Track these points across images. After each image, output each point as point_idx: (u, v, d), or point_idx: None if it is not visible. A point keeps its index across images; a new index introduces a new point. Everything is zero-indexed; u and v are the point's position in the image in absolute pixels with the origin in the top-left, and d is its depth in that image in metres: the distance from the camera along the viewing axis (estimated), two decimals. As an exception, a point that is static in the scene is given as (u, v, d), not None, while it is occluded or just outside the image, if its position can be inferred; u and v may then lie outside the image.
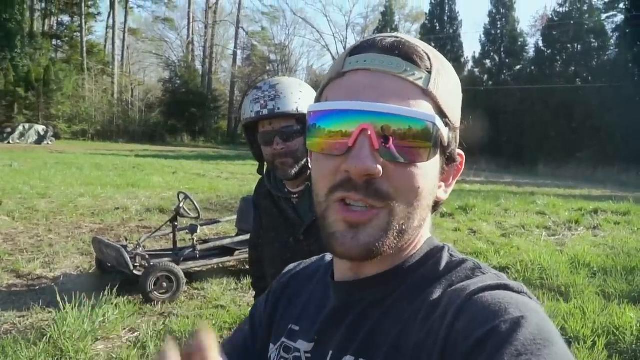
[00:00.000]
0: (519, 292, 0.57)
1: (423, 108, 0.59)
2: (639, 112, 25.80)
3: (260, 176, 1.92)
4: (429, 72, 0.61)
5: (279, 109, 1.60)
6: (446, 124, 0.62)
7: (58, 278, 5.25)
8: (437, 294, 0.60)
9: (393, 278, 0.65)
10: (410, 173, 0.59)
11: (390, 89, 0.59)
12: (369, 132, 0.57)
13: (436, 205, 0.67)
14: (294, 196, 1.76)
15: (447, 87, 0.63)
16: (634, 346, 3.71)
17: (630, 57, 28.92)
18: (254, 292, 2.07)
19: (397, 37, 0.63)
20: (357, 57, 0.62)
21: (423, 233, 0.68)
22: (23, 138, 29.65)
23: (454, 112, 0.64)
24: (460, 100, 0.67)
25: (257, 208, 1.94)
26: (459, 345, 0.52)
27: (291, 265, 0.90)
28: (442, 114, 0.61)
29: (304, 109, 1.63)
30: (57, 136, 33.14)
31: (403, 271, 0.65)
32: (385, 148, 0.58)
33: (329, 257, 0.82)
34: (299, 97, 1.65)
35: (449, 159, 0.65)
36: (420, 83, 0.60)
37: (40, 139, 30.14)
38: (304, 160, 1.66)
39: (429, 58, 0.62)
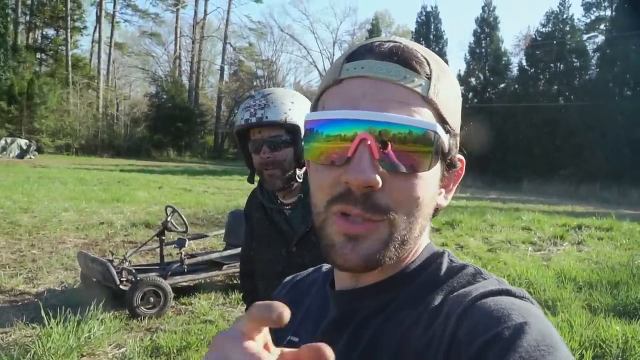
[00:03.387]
0: (521, 298, 0.57)
1: (424, 116, 0.58)
2: (619, 130, 26.29)
3: (251, 185, 1.91)
4: (429, 78, 0.59)
5: (267, 117, 1.61)
6: (447, 131, 0.61)
7: (42, 293, 5.15)
8: (438, 300, 0.60)
9: (393, 285, 0.64)
10: (411, 183, 0.58)
11: (390, 97, 0.57)
12: (369, 142, 0.56)
13: (436, 211, 0.66)
14: (287, 208, 1.75)
15: (447, 92, 0.61)
16: (620, 359, 3.74)
17: (610, 77, 29.51)
18: (245, 306, 2.04)
19: (396, 42, 0.61)
20: (355, 63, 0.60)
21: (423, 239, 0.67)
22: (5, 152, 29.22)
23: (454, 117, 0.63)
24: (459, 105, 0.66)
25: (248, 220, 1.93)
26: (462, 351, 0.52)
27: (288, 278, 0.88)
28: (443, 121, 0.60)
29: (293, 120, 1.63)
30: (40, 150, 32.72)
31: (403, 278, 0.64)
32: (386, 158, 0.56)
33: (326, 267, 0.82)
34: (289, 108, 1.65)
35: (449, 165, 0.64)
36: (419, 90, 0.58)
37: (23, 153, 29.74)
38: (292, 171, 1.66)
39: (428, 63, 0.60)
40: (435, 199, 0.64)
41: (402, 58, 0.59)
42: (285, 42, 58.79)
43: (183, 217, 5.45)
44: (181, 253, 5.13)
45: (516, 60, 37.56)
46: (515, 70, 35.98)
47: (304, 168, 1.70)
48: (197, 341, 3.92)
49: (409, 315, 0.60)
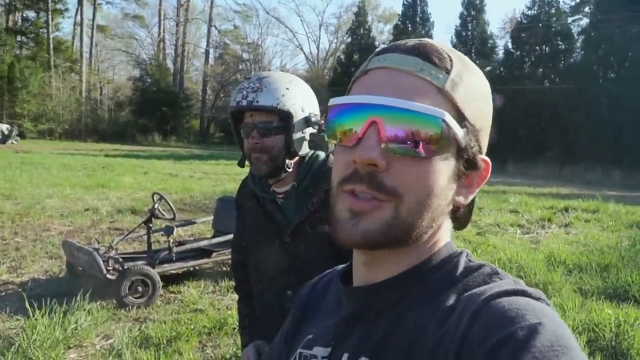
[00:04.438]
0: (536, 299, 0.57)
1: (436, 105, 0.60)
2: (603, 113, 26.54)
3: (238, 169, 1.85)
4: (448, 73, 0.62)
5: (257, 102, 1.54)
6: (463, 125, 0.62)
7: (26, 283, 5.04)
8: (452, 298, 0.60)
9: (407, 282, 0.64)
10: (418, 169, 0.60)
11: (405, 86, 0.60)
12: (378, 125, 0.59)
13: (456, 211, 0.68)
14: (280, 196, 1.69)
15: (469, 90, 0.63)
16: (613, 342, 3.75)
17: (595, 59, 29.70)
18: (238, 296, 1.99)
19: (421, 40, 0.65)
20: (381, 56, 0.64)
21: (441, 237, 0.67)
22: (-15, 137, 28.68)
23: (476, 114, 0.64)
24: (487, 106, 0.67)
25: (240, 209, 1.87)
26: (474, 351, 0.52)
27: (312, 280, 0.89)
28: (460, 115, 0.61)
29: (286, 106, 1.56)
30: (22, 135, 32.12)
31: (418, 275, 0.65)
32: (393, 141, 0.59)
33: (342, 266, 0.82)
34: (283, 94, 1.57)
35: (468, 163, 0.64)
36: (435, 82, 0.61)
37: (5, 138, 29.15)
38: (280, 159, 1.60)
39: (450, 59, 0.63)
40: (448, 194, 0.64)
41: (423, 52, 0.62)
42: (271, 25, 58.65)
43: (170, 204, 5.35)
44: (169, 241, 5.04)
45: (502, 43, 37.63)
46: (501, 53, 36.03)
47: (296, 158, 1.64)
48: (188, 331, 3.86)
49: (422, 313, 0.61)
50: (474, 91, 0.64)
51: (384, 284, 0.65)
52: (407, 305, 0.63)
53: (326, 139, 0.68)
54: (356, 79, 0.67)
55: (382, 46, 0.68)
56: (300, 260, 1.62)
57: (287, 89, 1.60)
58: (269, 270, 1.71)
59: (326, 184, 1.60)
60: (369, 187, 0.59)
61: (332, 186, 0.65)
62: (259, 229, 1.74)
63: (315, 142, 1.76)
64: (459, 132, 0.61)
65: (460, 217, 0.70)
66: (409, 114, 0.58)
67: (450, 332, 0.56)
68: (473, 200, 0.69)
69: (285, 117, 1.57)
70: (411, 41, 0.65)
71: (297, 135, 1.59)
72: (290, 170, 1.64)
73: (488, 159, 0.67)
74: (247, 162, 1.72)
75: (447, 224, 0.68)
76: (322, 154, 1.71)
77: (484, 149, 0.67)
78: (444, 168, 0.61)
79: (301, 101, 1.61)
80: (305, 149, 1.66)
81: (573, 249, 7.08)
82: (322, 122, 1.72)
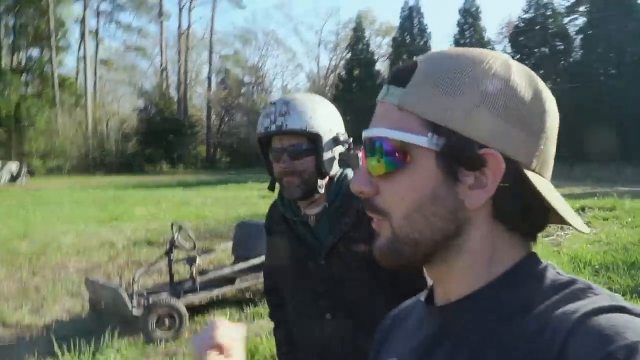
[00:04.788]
0: (636, 315, 0.52)
1: (395, 123, 0.61)
2: (607, 110, 26.49)
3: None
4: (403, 86, 0.62)
5: (286, 126, 1.53)
6: (431, 130, 0.60)
7: (50, 325, 5.00)
8: (543, 316, 0.56)
9: (486, 299, 0.61)
10: (392, 186, 0.62)
11: (376, 116, 0.65)
12: (362, 156, 0.66)
13: (504, 215, 0.61)
14: (312, 218, 1.66)
15: (426, 89, 0.61)
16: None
17: (594, 57, 29.77)
18: (273, 323, 1.94)
19: (401, 64, 0.67)
20: None
21: (501, 248, 0.62)
22: (-4, 177, 28.88)
23: (444, 112, 0.59)
24: (461, 102, 0.60)
25: (270, 234, 1.84)
26: None
27: (394, 309, 0.88)
28: (423, 122, 0.60)
29: (315, 128, 1.55)
30: (31, 173, 32.36)
31: (495, 291, 0.61)
32: (371, 167, 0.63)
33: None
34: (310, 116, 1.56)
35: (464, 163, 0.59)
36: (393, 101, 0.62)
37: (14, 177, 29.37)
38: (312, 180, 1.58)
39: (412, 70, 0.62)
40: (445, 199, 0.60)
41: (391, 76, 0.65)
42: (271, 47, 58.59)
43: (190, 233, 5.31)
44: (192, 271, 4.98)
45: (500, 47, 37.80)
46: (501, 58, 36.11)
47: (326, 178, 1.62)
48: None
49: (509, 331, 0.57)
50: (434, 86, 0.60)
51: (462, 302, 0.63)
52: (492, 324, 0.59)
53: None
54: None
55: None
56: (337, 282, 1.60)
57: (314, 110, 1.59)
58: (305, 294, 1.67)
59: (357, 203, 1.57)
60: (369, 210, 0.66)
61: None
62: (291, 253, 1.71)
63: (346, 161, 1.76)
64: (419, 140, 0.60)
65: (515, 219, 0.62)
66: (369, 141, 0.63)
67: (542, 352, 0.53)
68: (527, 198, 0.60)
69: (314, 138, 1.56)
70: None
71: (327, 156, 1.59)
72: (323, 191, 1.62)
73: (495, 152, 0.58)
74: (276, 186, 1.71)
75: (505, 235, 0.62)
76: (350, 173, 1.70)
77: (493, 139, 0.59)
78: (419, 178, 0.61)
79: (328, 121, 1.61)
80: (335, 169, 1.66)
81: (596, 249, 7.00)
82: (350, 140, 1.72)
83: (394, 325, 0.81)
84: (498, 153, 0.59)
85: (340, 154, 1.68)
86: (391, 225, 0.63)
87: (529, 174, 0.60)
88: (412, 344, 0.69)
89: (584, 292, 0.57)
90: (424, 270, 0.68)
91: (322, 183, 1.61)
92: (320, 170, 1.58)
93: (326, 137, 1.58)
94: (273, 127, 1.54)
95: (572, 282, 0.59)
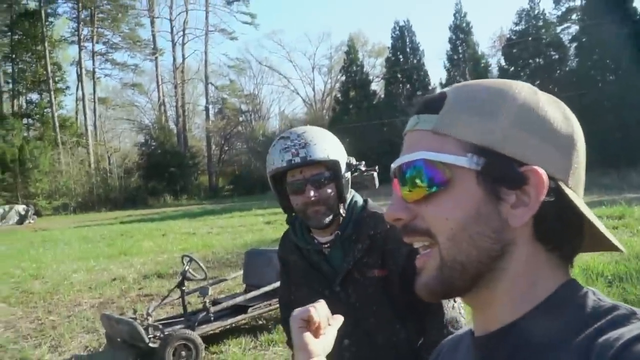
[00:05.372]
0: None
1: (432, 148, 0.63)
2: (608, 115, 26.45)
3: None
4: (436, 113, 0.64)
5: (310, 156, 1.58)
6: (469, 151, 0.61)
7: (69, 361, 5.07)
8: (584, 345, 0.54)
9: (526, 329, 0.60)
10: (433, 208, 0.63)
11: (407, 145, 0.66)
12: (395, 184, 0.66)
13: (546, 239, 0.62)
14: (325, 246, 1.71)
15: (461, 112, 0.62)
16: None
17: (590, 64, 29.83)
18: (292, 352, 2.01)
19: (428, 95, 0.69)
20: None
21: (543, 273, 0.62)
22: (4, 220, 29.00)
23: (484, 133, 0.61)
24: (502, 113, 0.62)
25: (283, 264, 1.89)
26: None
27: (447, 338, 0.88)
28: (462, 144, 0.61)
29: (334, 155, 1.62)
30: (38, 214, 32.55)
31: (535, 320, 0.60)
32: (407, 193, 0.64)
33: None
34: (328, 144, 1.64)
35: (505, 182, 0.60)
36: (427, 127, 0.64)
37: (22, 219, 29.56)
38: (336, 207, 1.64)
39: (443, 98, 0.65)
40: (489, 219, 0.60)
41: (419, 106, 0.67)
42: (265, 74, 58.96)
43: (201, 264, 5.40)
44: (205, 301, 5.07)
45: (494, 61, 38.10)
46: (495, 71, 36.34)
47: (347, 202, 1.69)
48: None
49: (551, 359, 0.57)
50: (468, 111, 0.63)
51: (502, 332, 0.62)
52: (532, 353, 0.59)
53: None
54: None
55: None
56: (353, 308, 1.62)
57: (328, 139, 1.66)
58: None
59: (368, 229, 1.65)
60: (407, 235, 0.66)
61: None
62: (306, 282, 1.76)
63: (361, 183, 1.82)
64: (459, 160, 0.61)
65: (556, 239, 0.62)
66: (403, 167, 0.64)
67: None
68: (568, 217, 0.61)
69: (332, 166, 1.62)
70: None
71: (343, 181, 1.65)
72: (344, 215, 1.68)
73: (536, 168, 0.59)
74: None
75: (545, 258, 0.62)
76: (360, 200, 1.76)
77: (531, 156, 0.60)
78: (462, 198, 0.61)
79: (340, 148, 1.68)
80: (350, 193, 1.72)
81: (608, 259, 6.87)
82: (361, 164, 1.79)
83: (448, 353, 0.80)
84: (540, 169, 0.59)
85: (354, 177, 1.75)
86: (439, 250, 0.62)
87: (568, 191, 0.60)
88: None
89: (627, 318, 0.55)
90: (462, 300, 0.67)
91: (343, 208, 1.67)
92: (341, 195, 1.64)
93: (342, 164, 1.65)
94: (297, 160, 1.57)
95: (614, 308, 0.57)
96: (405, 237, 0.66)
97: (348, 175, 1.69)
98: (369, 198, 1.79)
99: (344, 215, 1.67)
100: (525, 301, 0.61)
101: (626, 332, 0.52)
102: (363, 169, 1.79)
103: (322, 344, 0.89)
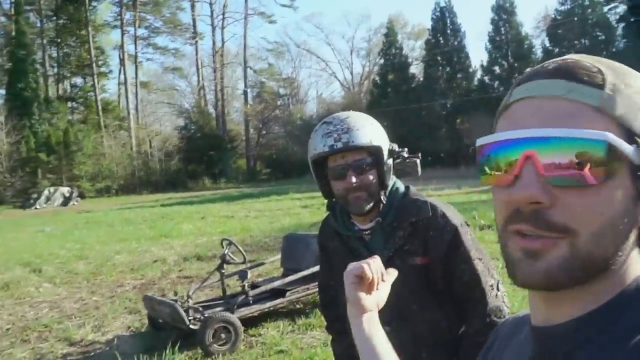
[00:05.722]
0: None
1: (595, 127, 0.54)
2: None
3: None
4: (601, 88, 0.56)
5: (353, 142, 1.56)
6: (633, 141, 0.55)
7: (112, 341, 5.19)
8: None
9: (593, 322, 0.57)
10: (587, 199, 0.54)
11: (555, 113, 0.56)
12: (533, 159, 0.55)
13: None
14: (366, 233, 1.69)
15: (630, 98, 0.57)
16: None
17: (639, 44, 28.70)
18: (331, 336, 1.98)
19: (565, 59, 0.60)
20: (522, 87, 0.60)
21: (629, 269, 0.59)
22: (49, 202, 30.12)
23: None
24: None
25: (323, 249, 1.88)
26: None
27: (509, 317, 0.84)
28: (626, 130, 0.55)
29: (376, 141, 1.60)
30: (82, 196, 33.65)
31: (605, 314, 0.58)
32: (554, 173, 0.54)
33: None
34: (371, 130, 1.61)
35: None
36: (589, 101, 0.55)
37: (66, 201, 30.63)
38: (377, 193, 1.62)
39: (600, 72, 0.57)
40: (630, 218, 0.57)
41: (567, 72, 0.58)
42: (303, 58, 59.09)
43: (240, 248, 5.43)
44: (244, 284, 5.10)
45: (538, 42, 37.02)
46: (539, 52, 35.34)
47: (388, 189, 1.66)
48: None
49: (618, 358, 0.53)
50: (636, 99, 0.57)
51: (568, 325, 0.59)
52: (596, 349, 0.56)
53: (480, 182, 0.64)
54: (500, 114, 0.64)
55: (522, 76, 0.64)
56: (394, 295, 1.60)
57: (371, 124, 1.63)
58: None
59: (410, 216, 1.63)
60: (536, 226, 0.55)
61: (497, 226, 0.62)
62: (346, 268, 1.75)
63: (403, 170, 1.79)
64: (628, 149, 0.55)
65: None
66: (567, 142, 0.54)
67: None
68: None
69: (375, 152, 1.60)
70: (552, 62, 0.61)
71: (385, 167, 1.62)
72: (385, 202, 1.65)
73: None
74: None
75: (635, 252, 0.60)
76: (401, 186, 1.72)
77: None
78: (617, 192, 0.55)
79: (383, 134, 1.65)
80: (391, 180, 1.69)
81: None
82: (404, 150, 1.75)
83: (505, 336, 0.77)
84: None
85: (396, 164, 1.72)
86: (573, 244, 0.55)
87: None
88: None
89: None
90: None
91: (384, 194, 1.64)
92: (383, 182, 1.62)
93: (384, 150, 1.62)
94: (339, 145, 1.56)
95: None
96: (528, 225, 0.56)
97: (390, 161, 1.67)
98: (411, 185, 1.75)
99: (385, 202, 1.65)
100: (602, 296, 0.58)
101: None
102: (406, 155, 1.76)
103: (374, 299, 0.91)
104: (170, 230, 13.26)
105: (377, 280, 0.90)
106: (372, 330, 0.89)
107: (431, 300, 1.61)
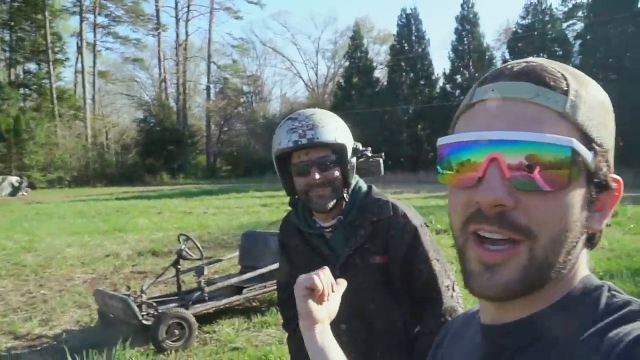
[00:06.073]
0: None
1: (560, 132, 0.55)
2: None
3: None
4: (565, 94, 0.57)
5: (317, 138, 1.56)
6: (590, 148, 0.57)
7: (60, 335, 5.02)
8: (594, 339, 0.54)
9: (542, 321, 0.59)
10: (550, 203, 0.55)
11: (522, 116, 0.56)
12: (499, 162, 0.55)
13: (592, 237, 0.62)
14: (327, 230, 1.69)
15: (590, 108, 0.58)
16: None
17: (593, 62, 29.88)
18: (287, 334, 1.97)
19: (528, 62, 0.60)
20: (486, 86, 0.60)
21: (577, 270, 0.61)
22: (-3, 191, 28.88)
23: (600, 134, 0.58)
24: (610, 121, 0.61)
25: (283, 247, 1.87)
26: None
27: (461, 314, 0.87)
28: (586, 138, 0.57)
29: (341, 139, 1.59)
30: (32, 186, 32.36)
31: (554, 314, 0.59)
32: (518, 176, 0.54)
33: None
34: (336, 128, 1.61)
35: (599, 186, 0.59)
36: (554, 106, 0.56)
37: (15, 191, 29.39)
38: (340, 190, 1.62)
39: (564, 78, 0.58)
40: (582, 223, 0.58)
41: (534, 75, 0.58)
42: (268, 56, 58.88)
43: (197, 244, 5.35)
44: (200, 281, 5.01)
45: (499, 54, 37.92)
46: (499, 64, 35.88)
47: (351, 187, 1.66)
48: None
49: (560, 356, 0.56)
50: (595, 108, 0.59)
51: (519, 323, 0.61)
52: (544, 347, 0.58)
53: (439, 180, 0.63)
54: (461, 113, 0.63)
55: (485, 76, 0.64)
56: (353, 293, 1.60)
57: (336, 122, 1.64)
58: None
59: (372, 215, 1.64)
60: (500, 227, 0.55)
61: (453, 227, 0.62)
62: (306, 266, 1.71)
63: (367, 169, 1.80)
64: (588, 156, 0.56)
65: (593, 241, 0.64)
66: (533, 146, 0.54)
67: None
68: None
69: (339, 149, 1.60)
70: (517, 64, 0.60)
71: (349, 166, 1.63)
72: (347, 201, 1.65)
73: (619, 178, 0.61)
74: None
75: (583, 254, 0.62)
76: (364, 186, 1.73)
77: (612, 167, 0.61)
78: (576, 197, 0.56)
79: (347, 133, 1.65)
80: (354, 179, 1.70)
81: (600, 255, 7.00)
82: (368, 149, 1.77)
83: (453, 336, 0.79)
84: (620, 179, 0.61)
85: (359, 163, 1.73)
86: (532, 249, 0.56)
87: None
88: None
89: (638, 315, 0.55)
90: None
91: (347, 193, 1.65)
92: (346, 180, 1.62)
93: (349, 148, 1.62)
94: (304, 141, 1.55)
95: (627, 303, 0.57)
96: (492, 226, 0.56)
97: (354, 160, 1.68)
98: (373, 185, 1.77)
99: (347, 200, 1.66)
100: (549, 297, 0.60)
101: (635, 328, 0.52)
102: (369, 154, 1.78)
103: (325, 310, 0.89)
104: (125, 225, 12.94)
105: (327, 292, 0.90)
106: (325, 341, 0.88)
107: (389, 299, 1.62)
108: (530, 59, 0.62)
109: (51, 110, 41.51)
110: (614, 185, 0.60)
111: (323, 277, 0.90)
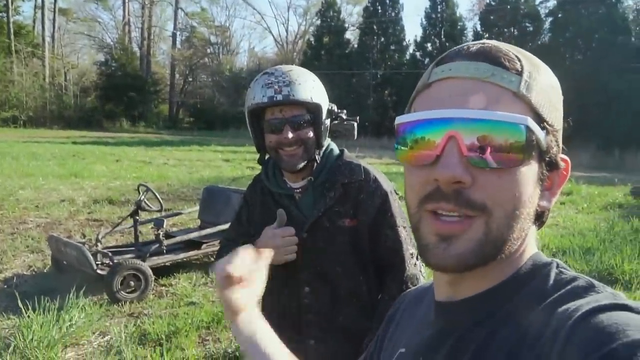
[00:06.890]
0: (639, 313, 0.51)
1: (514, 111, 0.57)
2: (569, 95, 27.02)
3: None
4: (519, 75, 0.59)
5: (293, 96, 1.52)
6: (543, 128, 0.59)
7: (10, 279, 4.92)
8: (545, 314, 0.56)
9: (494, 298, 0.62)
10: (505, 180, 0.57)
11: (479, 95, 0.58)
12: (457, 140, 0.56)
13: (541, 215, 0.65)
14: (297, 191, 1.67)
15: (542, 89, 0.60)
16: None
17: (562, 41, 30.27)
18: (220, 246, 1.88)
19: (484, 43, 0.62)
20: (443, 66, 0.62)
21: (527, 247, 0.64)
22: (-54, 126, 27.55)
23: (552, 114, 0.61)
24: (559, 103, 0.64)
25: (247, 204, 1.81)
26: None
27: (411, 289, 0.88)
28: (538, 117, 0.59)
29: (317, 99, 1.57)
30: (-17, 123, 31.05)
31: (506, 290, 0.62)
32: (476, 155, 0.56)
33: None
34: (313, 87, 1.58)
35: (550, 165, 0.62)
36: (509, 86, 0.58)
37: (-34, 127, 28.15)
38: (312, 151, 1.60)
39: (519, 60, 0.60)
40: (534, 200, 0.61)
41: (490, 56, 0.60)
42: (239, 7, 57.64)
43: (157, 195, 5.27)
44: (159, 233, 4.96)
45: (471, 25, 38.02)
46: (470, 35, 36.29)
47: (323, 149, 1.65)
48: (186, 326, 3.82)
49: (512, 331, 0.58)
50: (547, 89, 0.61)
51: (471, 300, 0.63)
52: (497, 322, 0.60)
53: (396, 157, 0.64)
54: (418, 92, 0.65)
55: (443, 55, 0.65)
56: (318, 255, 1.61)
57: (314, 81, 1.60)
58: (285, 266, 1.64)
59: (343, 177, 1.63)
60: (457, 204, 0.57)
61: (409, 205, 0.63)
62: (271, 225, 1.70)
63: (340, 132, 1.78)
64: (541, 135, 0.59)
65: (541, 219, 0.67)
66: (489, 124, 0.56)
67: (545, 351, 0.52)
68: None
69: (314, 109, 1.57)
70: (474, 45, 0.62)
71: (322, 127, 1.61)
72: (319, 162, 1.64)
73: (567, 158, 0.64)
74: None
75: (532, 232, 0.64)
76: (336, 149, 1.71)
77: (561, 147, 0.64)
78: (529, 175, 0.59)
79: (323, 93, 1.63)
80: (327, 141, 1.68)
81: (554, 232, 7.26)
82: (343, 112, 1.76)
83: (406, 309, 0.81)
84: (568, 159, 0.64)
85: (333, 125, 1.71)
86: (487, 224, 0.58)
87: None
88: (421, 337, 0.69)
89: (586, 290, 0.57)
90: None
91: (319, 154, 1.63)
92: (319, 141, 1.60)
93: (324, 109, 1.60)
94: (279, 97, 1.52)
95: (574, 279, 0.59)
96: (449, 204, 0.57)
97: (328, 122, 1.66)
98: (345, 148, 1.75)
99: (318, 161, 1.64)
100: (500, 274, 0.62)
101: (583, 304, 0.53)
102: (344, 117, 1.76)
103: (247, 295, 0.85)
104: (82, 170, 12.60)
105: (247, 276, 0.85)
106: (252, 330, 0.83)
107: (355, 263, 1.62)
108: (485, 40, 0.63)
109: (7, 45, 39.30)
110: (562, 164, 0.64)
111: (239, 262, 0.84)
